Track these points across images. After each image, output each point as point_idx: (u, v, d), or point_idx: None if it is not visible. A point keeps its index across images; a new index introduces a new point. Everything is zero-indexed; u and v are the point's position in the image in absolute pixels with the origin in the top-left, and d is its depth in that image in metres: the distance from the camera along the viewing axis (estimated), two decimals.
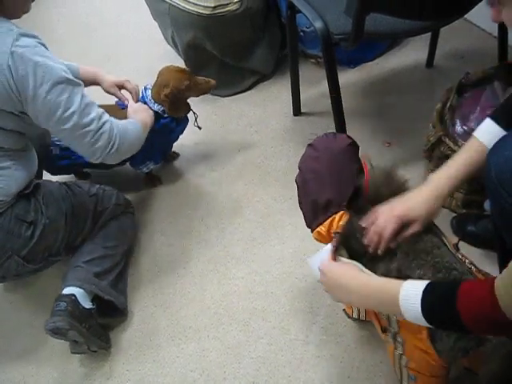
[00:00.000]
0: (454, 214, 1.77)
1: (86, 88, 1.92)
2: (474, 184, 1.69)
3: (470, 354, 1.13)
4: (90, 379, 1.66)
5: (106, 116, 1.59)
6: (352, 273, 1.15)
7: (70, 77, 1.49)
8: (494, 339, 1.07)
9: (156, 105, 1.96)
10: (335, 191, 1.33)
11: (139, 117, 1.85)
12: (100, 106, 1.64)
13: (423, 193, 1.22)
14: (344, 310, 1.63)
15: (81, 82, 1.55)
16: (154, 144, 2.01)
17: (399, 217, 1.19)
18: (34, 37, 1.43)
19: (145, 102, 1.97)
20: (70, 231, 1.72)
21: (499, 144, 1.17)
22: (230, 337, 1.68)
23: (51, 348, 1.75)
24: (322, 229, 1.34)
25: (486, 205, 1.63)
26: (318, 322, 1.66)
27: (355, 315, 1.57)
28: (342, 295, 1.18)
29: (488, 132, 1.22)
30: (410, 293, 0.98)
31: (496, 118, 1.22)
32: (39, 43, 1.44)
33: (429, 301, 0.96)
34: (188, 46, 2.48)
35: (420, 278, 1.14)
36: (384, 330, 1.25)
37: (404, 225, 1.20)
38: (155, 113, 1.96)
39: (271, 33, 2.60)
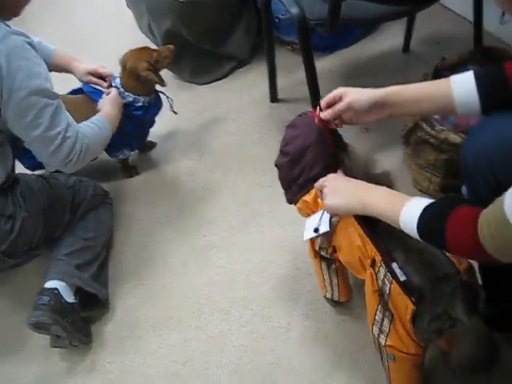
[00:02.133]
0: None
1: (61, 74, 1.95)
2: (451, 168, 1.71)
3: (444, 336, 1.16)
4: (72, 373, 1.64)
5: (73, 129, 1.57)
6: (361, 182, 1.23)
7: (48, 87, 1.49)
8: (466, 321, 1.09)
9: (126, 94, 1.94)
10: (323, 161, 1.36)
11: (109, 111, 1.85)
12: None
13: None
14: (325, 296, 1.63)
15: (58, 94, 1.55)
16: (129, 132, 2.00)
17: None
18: (22, 35, 1.42)
19: None
20: (49, 224, 1.71)
21: (476, 130, 1.16)
22: (212, 326, 1.68)
23: (31, 343, 1.72)
24: (309, 197, 1.37)
25: (464, 189, 1.64)
26: (299, 308, 1.67)
27: (329, 295, 1.58)
28: (347, 198, 1.21)
29: (463, 86, 1.14)
30: (411, 212, 1.04)
31: (479, 79, 1.13)
32: (27, 43, 1.42)
33: (424, 219, 1.01)
34: (167, 33, 2.45)
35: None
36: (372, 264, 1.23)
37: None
38: (125, 104, 1.95)
39: (247, 18, 2.59)
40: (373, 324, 1.25)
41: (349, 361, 1.52)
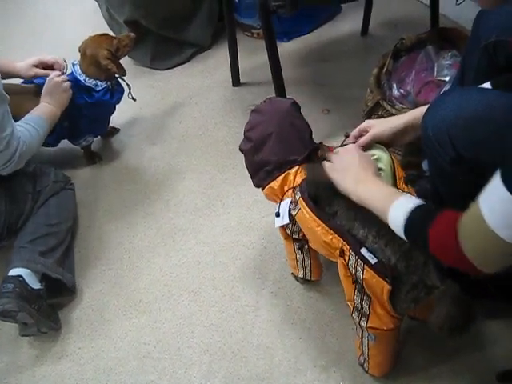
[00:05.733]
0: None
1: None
2: (411, 146, 1.74)
3: (420, 304, 1.18)
4: (42, 360, 1.63)
5: (16, 135, 1.59)
6: (368, 166, 1.25)
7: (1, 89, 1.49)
8: (440, 285, 1.12)
9: (88, 79, 1.92)
10: (289, 149, 1.37)
11: (48, 107, 1.83)
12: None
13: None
14: (292, 273, 1.66)
15: (7, 96, 1.55)
16: (92, 118, 1.99)
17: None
18: None
19: (75, 79, 1.93)
20: (11, 213, 1.68)
21: (435, 103, 1.20)
22: (182, 307, 1.69)
23: None
24: (276, 183, 1.38)
25: (424, 165, 1.69)
26: (267, 287, 1.69)
27: (301, 275, 1.60)
28: (348, 177, 1.23)
29: None
30: (398, 212, 1.06)
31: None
32: None
33: (409, 221, 1.03)
34: (126, 23, 2.43)
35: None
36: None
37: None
38: (87, 88, 1.93)
39: (208, 5, 2.58)
40: (353, 308, 1.27)
41: (317, 334, 1.55)
